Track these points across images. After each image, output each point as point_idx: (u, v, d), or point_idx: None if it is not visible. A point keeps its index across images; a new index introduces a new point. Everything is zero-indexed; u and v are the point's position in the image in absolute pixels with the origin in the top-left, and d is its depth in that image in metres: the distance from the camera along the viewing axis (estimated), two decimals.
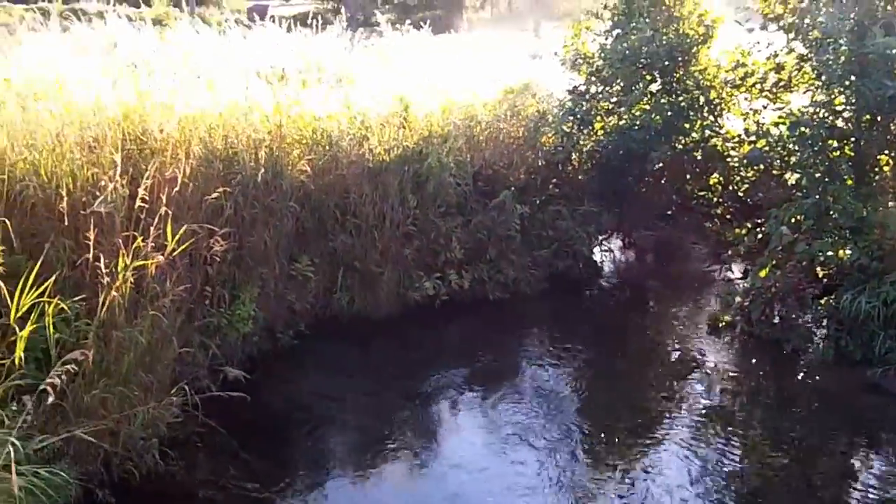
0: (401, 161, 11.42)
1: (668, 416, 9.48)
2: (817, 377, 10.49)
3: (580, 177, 14.65)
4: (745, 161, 13.68)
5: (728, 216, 14.75)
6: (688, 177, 14.83)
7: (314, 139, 10.72)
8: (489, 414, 9.19)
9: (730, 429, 9.21)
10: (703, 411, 9.59)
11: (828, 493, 8.15)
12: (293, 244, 10.15)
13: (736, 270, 13.85)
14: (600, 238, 14.57)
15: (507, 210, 12.35)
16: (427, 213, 11.64)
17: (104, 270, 6.84)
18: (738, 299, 11.87)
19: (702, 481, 8.03)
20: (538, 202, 13.44)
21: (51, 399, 5.69)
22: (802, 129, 11.96)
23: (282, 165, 9.82)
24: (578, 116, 14.32)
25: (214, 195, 8.38)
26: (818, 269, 11.54)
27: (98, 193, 7.29)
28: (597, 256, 14.49)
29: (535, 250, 12.91)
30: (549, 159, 14.12)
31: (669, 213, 14.92)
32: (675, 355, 11.53)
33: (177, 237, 7.49)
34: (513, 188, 12.71)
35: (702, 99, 14.40)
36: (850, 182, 12.10)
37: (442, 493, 7.66)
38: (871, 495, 8.14)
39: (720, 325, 11.70)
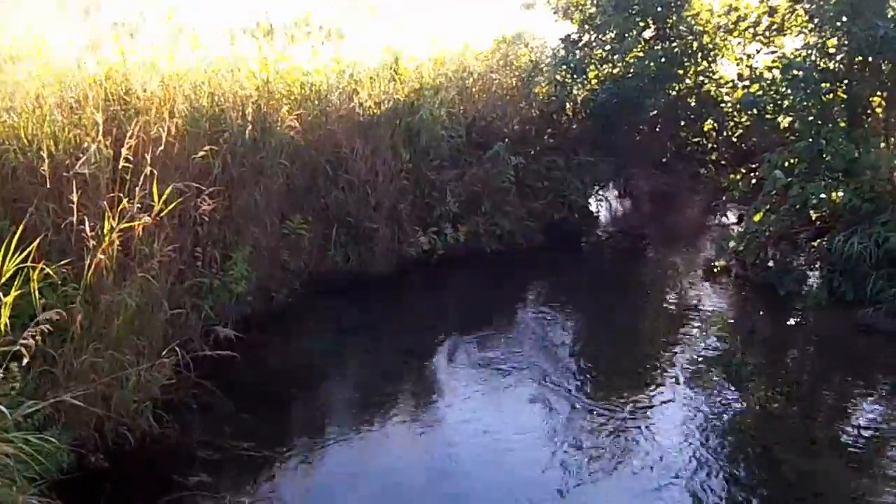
0: (392, 114, 11.16)
1: (666, 361, 9.33)
2: (811, 318, 10.36)
3: (575, 126, 14.40)
4: (738, 106, 13.43)
5: (723, 162, 14.54)
6: (682, 124, 14.57)
7: (303, 94, 10.44)
8: (488, 367, 9.02)
9: (726, 371, 9.05)
10: (701, 355, 9.44)
11: (823, 431, 8.00)
12: (285, 202, 9.91)
13: (731, 216, 13.67)
14: (596, 188, 14.35)
15: (502, 162, 12.11)
16: (420, 167, 11.40)
17: (90, 233, 6.61)
18: (732, 244, 11.70)
19: (699, 423, 7.88)
20: (532, 153, 13.21)
21: (25, 360, 5.50)
22: (795, 72, 11.69)
23: (270, 122, 9.55)
24: (572, 65, 14.02)
25: (201, 154, 8.12)
26: (811, 212, 11.35)
27: (81, 155, 7.04)
28: (593, 206, 14.29)
29: (530, 201, 12.70)
30: (543, 109, 13.85)
31: (665, 160, 14.67)
32: (672, 301, 11.38)
33: (163, 197, 7.27)
34: (507, 139, 12.45)
35: (695, 45, 14.10)
36: (842, 125, 11.87)
37: (442, 449, 7.50)
38: (864, 432, 8.00)
39: (715, 270, 11.53)
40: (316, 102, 10.55)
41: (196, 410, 7.59)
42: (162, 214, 7.25)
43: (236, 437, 7.33)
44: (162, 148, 7.62)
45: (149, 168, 7.22)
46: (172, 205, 7.38)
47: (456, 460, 7.25)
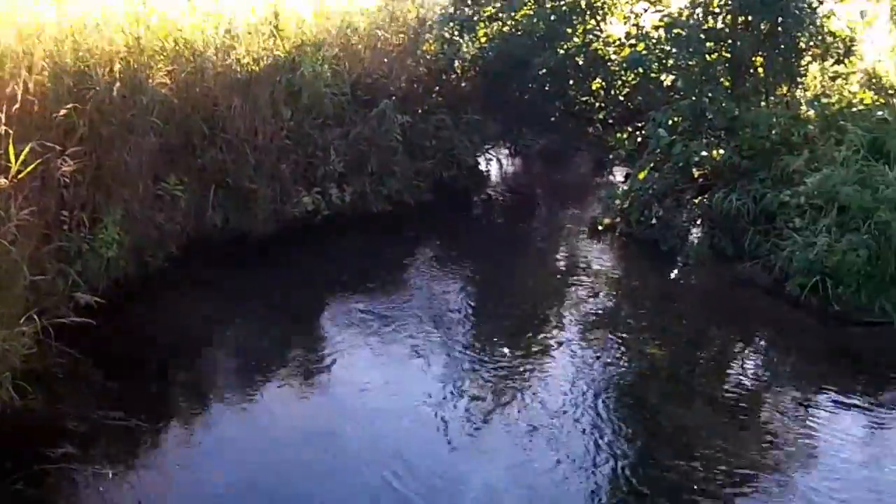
0: (272, 71, 10.88)
1: (552, 318, 9.49)
2: (693, 274, 10.66)
3: (464, 85, 14.34)
4: (625, 65, 13.57)
5: (610, 121, 14.70)
6: (571, 82, 14.65)
7: (177, 51, 10.07)
8: (375, 328, 8.95)
9: (613, 327, 9.27)
10: (586, 311, 9.63)
11: (701, 384, 8.27)
12: (159, 162, 9.56)
13: (618, 175, 13.87)
14: (485, 147, 14.36)
15: (388, 120, 11.98)
16: (303, 126, 11.17)
17: None
18: (618, 202, 11.88)
19: (582, 378, 8.04)
20: (420, 111, 13.10)
21: None
22: (678, 30, 11.88)
23: (141, 79, 9.19)
24: (460, 22, 13.94)
25: (63, 112, 7.77)
26: (694, 169, 11.61)
27: None
28: (482, 165, 14.30)
29: (418, 161, 12.62)
30: (431, 67, 13.74)
31: (554, 119, 14.76)
32: (559, 259, 11.54)
33: (20, 158, 6.94)
34: (393, 97, 12.32)
35: (583, 3, 14.16)
36: (725, 84, 12.14)
37: (326, 413, 7.42)
38: (745, 381, 8.35)
39: (600, 227, 11.70)
40: (191, 59, 10.19)
41: (63, 380, 7.33)
42: (20, 176, 6.93)
43: (105, 406, 7.11)
44: (18, 105, 7.27)
45: (3, 127, 6.89)
46: (31, 166, 7.06)
47: (340, 423, 7.20)
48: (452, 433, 7.07)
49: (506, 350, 8.66)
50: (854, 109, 11.12)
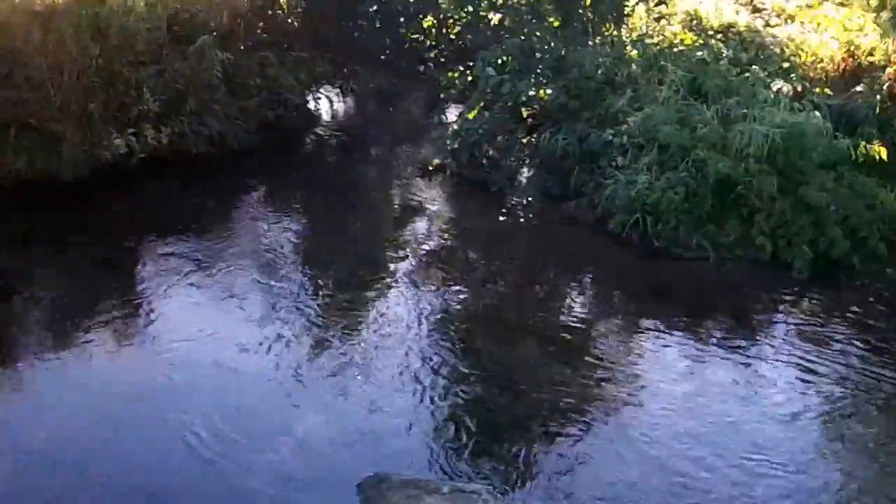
0: (77, 4, 10.12)
1: (383, 262, 9.37)
2: (521, 214, 10.78)
3: (291, 21, 13.87)
4: (455, 3, 13.46)
5: (442, 59, 14.59)
6: (402, 20, 14.42)
7: None
8: (196, 277, 8.57)
9: (443, 269, 9.26)
10: (418, 254, 9.56)
11: (532, 320, 8.41)
12: None
13: (451, 115, 13.78)
14: (314, 86, 13.95)
15: (207, 57, 11.41)
16: (113, 63, 10.48)
17: None
18: (448, 142, 11.82)
19: (415, 321, 8.02)
20: (243, 48, 12.56)
21: None
22: None
23: None
24: None
25: None
26: (523, 109, 11.66)
27: None
28: (312, 105, 13.90)
29: (241, 100, 12.10)
30: (255, 2, 13.19)
31: (385, 57, 14.51)
32: (391, 202, 11.41)
33: None
34: (213, 33, 11.74)
35: None
36: (555, 24, 12.23)
37: (144, 367, 7.08)
38: (570, 319, 8.51)
39: (430, 168, 11.63)
40: None
41: None
42: None
43: None
44: None
45: None
46: None
47: (154, 375, 6.91)
48: (272, 382, 6.92)
49: (333, 295, 8.53)
50: (675, 50, 11.42)
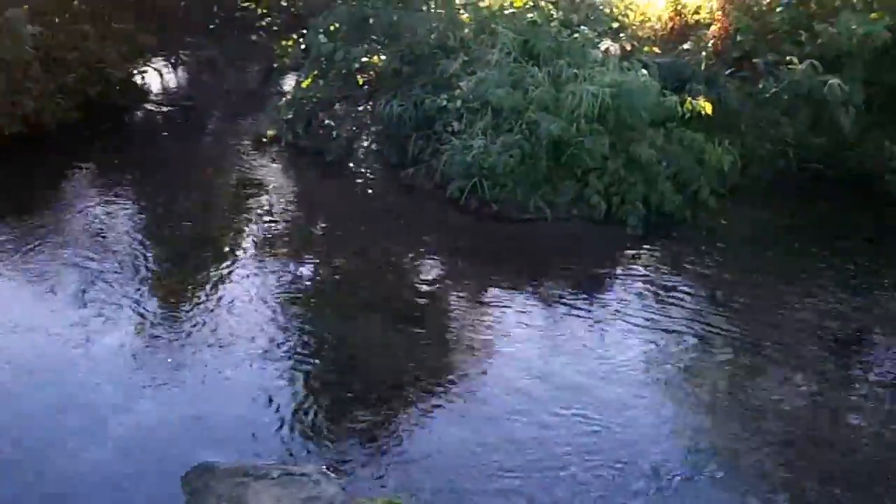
0: None
1: (224, 239, 9.14)
2: (360, 183, 10.64)
3: None
4: None
5: (275, 28, 14.20)
6: None
7: None
8: (10, 264, 8.12)
9: (282, 244, 9.10)
10: (255, 230, 9.36)
11: (378, 286, 8.43)
12: None
13: (287, 84, 13.45)
14: (140, 59, 13.32)
15: (17, 31, 10.67)
16: None
17: None
18: (283, 113, 11.52)
19: (253, 299, 7.84)
20: (59, 21, 11.83)
21: None
22: None
23: None
24: None
25: None
26: (358, 77, 11.46)
27: None
28: (139, 79, 13.29)
29: (59, 76, 11.41)
30: None
31: (214, 28, 14.00)
32: (226, 176, 11.08)
33: None
34: (25, 6, 10.99)
35: None
36: None
37: None
38: (415, 288, 8.55)
39: (265, 140, 11.34)
40: None
41: None
42: None
43: None
44: None
45: None
46: None
47: None
48: (93, 370, 6.65)
49: (163, 276, 8.22)
50: (506, 12, 11.40)
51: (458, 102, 10.10)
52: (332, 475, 5.59)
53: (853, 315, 8.24)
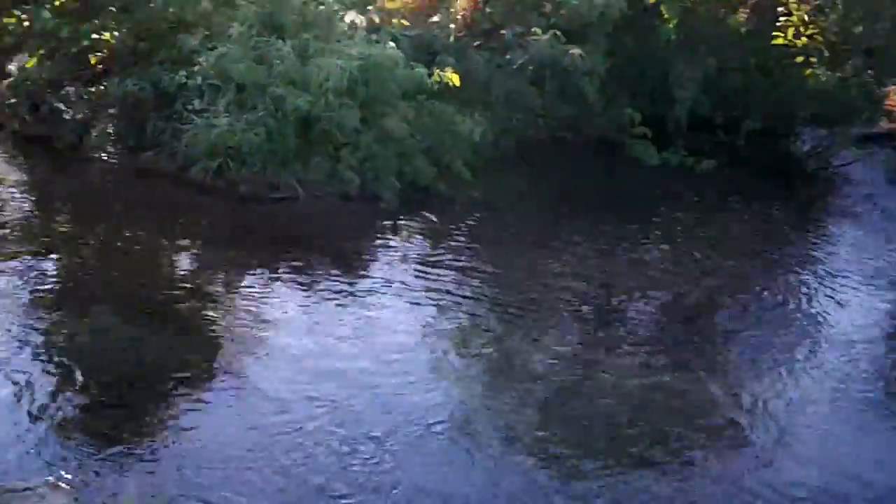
0: None
1: None
2: (97, 169, 10.01)
3: None
4: None
5: None
6: None
7: None
8: None
9: (19, 236, 8.38)
10: None
11: (124, 280, 7.88)
12: None
13: (14, 66, 12.37)
14: None
15: None
16: None
17: None
18: (6, 97, 10.59)
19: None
20: None
21: None
22: None
23: None
24: None
25: None
26: (90, 55, 10.70)
27: None
28: None
29: None
30: None
31: None
32: None
33: None
34: None
35: None
36: None
37: None
38: (164, 273, 8.20)
39: None
40: None
41: None
42: None
43: None
44: None
45: None
46: None
47: None
48: None
49: None
50: None
51: (199, 79, 9.61)
52: (64, 486, 5.08)
53: (600, 276, 8.62)
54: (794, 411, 6.51)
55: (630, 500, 5.43)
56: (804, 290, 8.67)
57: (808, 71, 11.76)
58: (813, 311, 8.15)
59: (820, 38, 11.87)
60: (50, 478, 5.12)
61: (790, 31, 11.63)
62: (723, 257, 9.41)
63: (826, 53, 11.95)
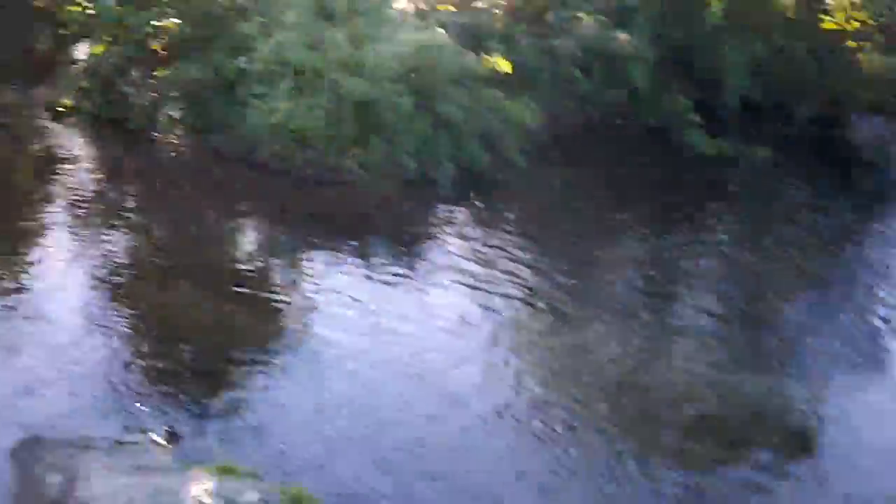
0: None
1: (31, 215, 9.12)
2: (166, 151, 10.72)
3: None
4: None
5: None
6: None
7: None
8: None
9: (94, 217, 9.17)
10: (67, 205, 9.35)
11: (198, 256, 8.66)
12: None
13: (79, 52, 13.11)
14: None
15: None
16: None
17: None
18: (78, 82, 11.36)
19: (75, 269, 8.03)
20: None
21: None
22: None
23: None
24: None
25: None
26: (152, 41, 11.40)
27: None
28: None
29: None
30: None
31: None
32: (27, 151, 10.77)
33: None
34: None
35: None
36: None
37: None
38: (236, 251, 8.98)
39: (62, 110, 11.14)
40: None
41: None
42: None
43: None
44: None
45: None
46: None
47: None
48: None
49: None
50: None
51: (258, 65, 10.25)
52: (164, 443, 5.88)
53: (658, 267, 9.23)
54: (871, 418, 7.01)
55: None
56: (875, 291, 9.14)
57: (862, 56, 11.99)
58: (884, 313, 8.60)
59: (872, 22, 12.08)
60: (153, 435, 5.96)
61: (840, 15, 11.87)
62: (787, 254, 9.87)
63: (879, 38, 12.17)
